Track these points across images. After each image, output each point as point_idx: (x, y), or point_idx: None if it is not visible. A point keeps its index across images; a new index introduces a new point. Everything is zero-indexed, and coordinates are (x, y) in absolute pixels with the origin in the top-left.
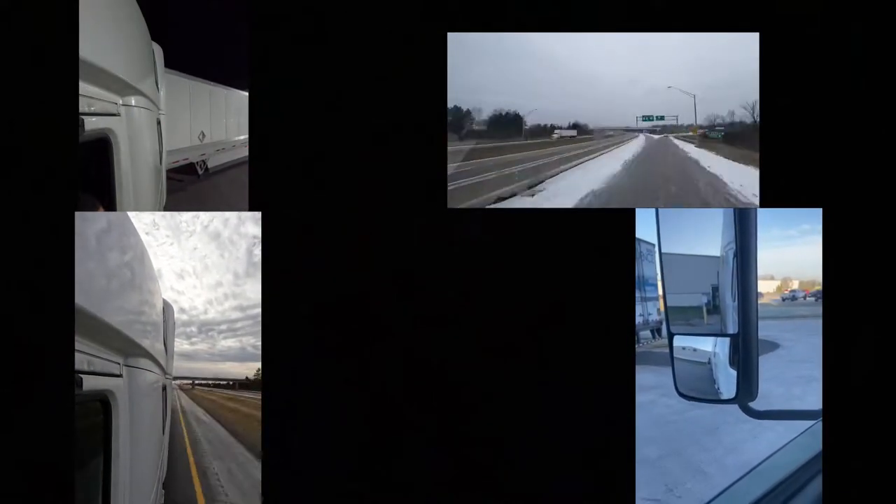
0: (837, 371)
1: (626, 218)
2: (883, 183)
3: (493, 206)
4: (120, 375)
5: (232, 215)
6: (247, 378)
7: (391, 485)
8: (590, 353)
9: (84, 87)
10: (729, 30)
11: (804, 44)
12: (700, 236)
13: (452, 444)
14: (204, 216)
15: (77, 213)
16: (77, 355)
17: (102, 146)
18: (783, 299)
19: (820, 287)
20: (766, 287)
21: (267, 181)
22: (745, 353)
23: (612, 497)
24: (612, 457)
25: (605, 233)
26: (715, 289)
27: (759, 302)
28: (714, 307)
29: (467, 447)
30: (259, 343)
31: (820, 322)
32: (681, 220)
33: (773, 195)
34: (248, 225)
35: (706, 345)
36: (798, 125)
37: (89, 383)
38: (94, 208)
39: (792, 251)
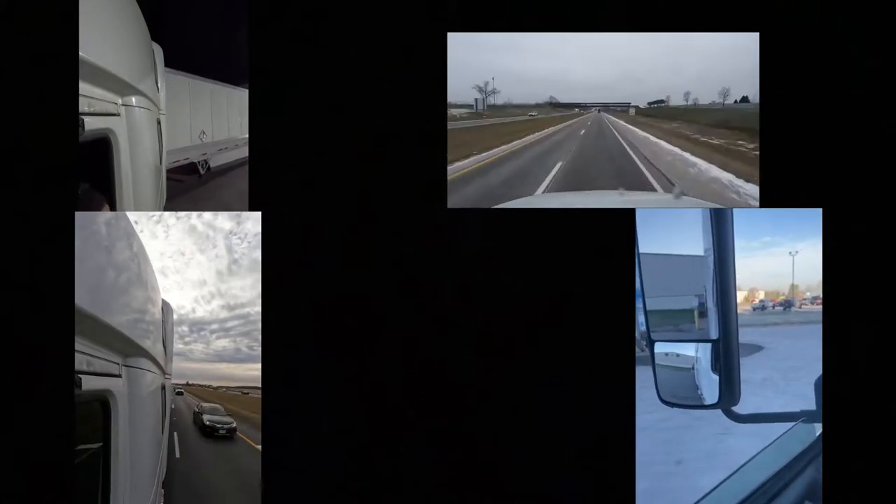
0: (837, 371)
1: (626, 218)
2: (883, 183)
3: (492, 207)
4: (119, 376)
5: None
6: (243, 390)
7: (391, 485)
8: (590, 354)
9: (84, 87)
10: (729, 30)
11: (804, 44)
12: (681, 237)
13: (452, 444)
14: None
15: (77, 213)
16: (76, 355)
17: (102, 146)
18: (754, 309)
19: (785, 297)
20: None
21: (267, 181)
22: (726, 358)
23: (612, 497)
24: (612, 457)
25: (605, 233)
26: (706, 290)
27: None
28: (703, 311)
29: (467, 447)
30: (253, 344)
31: (791, 328)
32: (659, 221)
33: (773, 195)
34: (222, 219)
35: (689, 350)
36: (798, 125)
37: (88, 383)
38: (100, 207)
39: (755, 262)
